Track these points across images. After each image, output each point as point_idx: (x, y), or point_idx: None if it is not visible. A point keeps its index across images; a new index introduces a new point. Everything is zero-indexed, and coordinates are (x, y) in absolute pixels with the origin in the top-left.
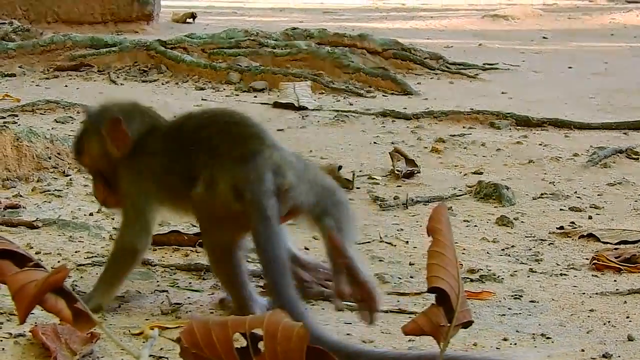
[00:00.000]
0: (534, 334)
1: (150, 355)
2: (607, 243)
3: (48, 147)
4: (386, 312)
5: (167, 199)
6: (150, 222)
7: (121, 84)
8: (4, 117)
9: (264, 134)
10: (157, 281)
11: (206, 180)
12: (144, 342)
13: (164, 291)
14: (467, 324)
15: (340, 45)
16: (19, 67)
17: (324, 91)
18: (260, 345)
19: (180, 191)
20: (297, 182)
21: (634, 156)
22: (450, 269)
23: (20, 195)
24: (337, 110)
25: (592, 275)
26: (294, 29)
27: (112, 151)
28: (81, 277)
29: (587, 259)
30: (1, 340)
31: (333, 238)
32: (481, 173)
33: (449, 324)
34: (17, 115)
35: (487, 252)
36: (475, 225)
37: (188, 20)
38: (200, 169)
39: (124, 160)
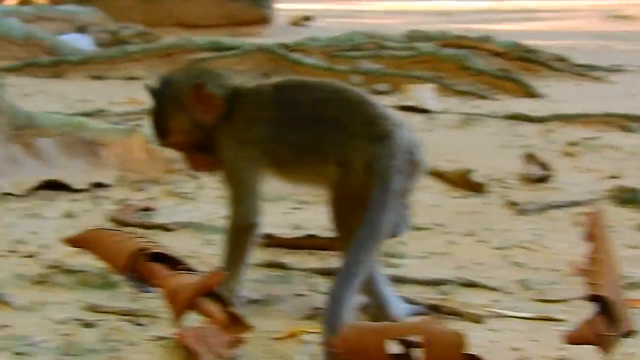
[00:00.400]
0: None
1: None
2: None
3: None
4: (533, 319)
5: (273, 166)
6: (259, 192)
7: None
8: (132, 121)
9: (390, 114)
10: (295, 285)
11: (341, 161)
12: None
13: (302, 295)
14: (630, 333)
15: (462, 47)
16: (141, 70)
17: (448, 94)
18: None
19: (291, 161)
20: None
21: None
22: (611, 276)
23: (153, 198)
24: (463, 113)
25: None
26: (415, 31)
27: (202, 119)
28: None
29: None
30: (146, 342)
31: None
32: (617, 177)
33: (613, 333)
34: (143, 119)
35: (631, 259)
36: (616, 231)
37: (304, 23)
38: (330, 147)
39: (219, 125)
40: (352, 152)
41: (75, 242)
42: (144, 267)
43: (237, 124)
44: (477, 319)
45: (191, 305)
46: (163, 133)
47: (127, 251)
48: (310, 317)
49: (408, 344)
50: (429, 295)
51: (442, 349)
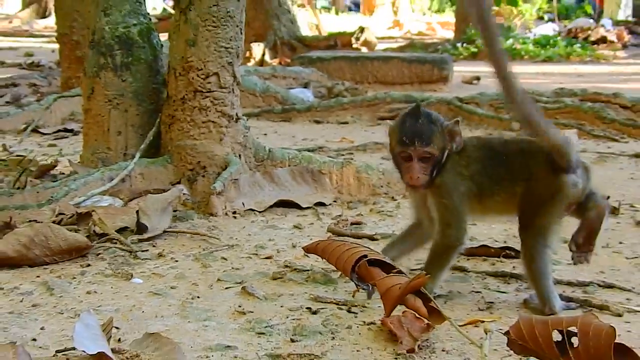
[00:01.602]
0: None
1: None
2: None
3: (380, 178)
4: None
5: (477, 196)
6: (467, 219)
7: None
8: (343, 155)
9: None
10: (472, 284)
11: (526, 177)
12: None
13: (478, 292)
14: None
15: (598, 101)
16: (350, 116)
17: (586, 137)
18: (574, 340)
19: (492, 187)
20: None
21: None
22: None
23: (362, 215)
24: (599, 152)
25: None
26: (561, 88)
27: (449, 147)
28: None
29: None
30: (358, 327)
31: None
32: None
33: None
34: (352, 153)
35: None
36: None
37: (474, 82)
38: (518, 170)
39: (452, 157)
40: (535, 167)
41: (312, 249)
42: (366, 270)
43: (462, 161)
44: (619, 313)
45: (401, 300)
46: (428, 140)
47: (352, 257)
48: (484, 309)
49: (569, 334)
50: (576, 294)
51: (597, 339)
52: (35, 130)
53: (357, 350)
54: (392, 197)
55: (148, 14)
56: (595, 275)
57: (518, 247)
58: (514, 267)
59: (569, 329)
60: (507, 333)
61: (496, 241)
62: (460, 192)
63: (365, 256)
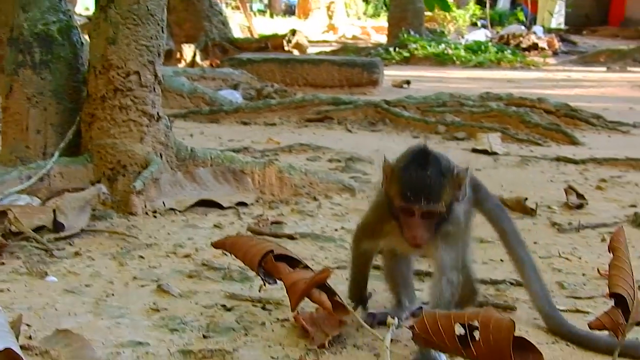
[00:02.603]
0: None
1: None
2: None
3: (303, 179)
4: (566, 311)
5: None
6: None
7: (355, 132)
8: (268, 156)
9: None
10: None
11: None
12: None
13: None
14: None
15: (523, 106)
16: (278, 118)
17: (510, 141)
18: (476, 334)
19: None
20: None
21: None
22: (627, 279)
23: (282, 214)
24: (521, 156)
25: None
26: (487, 93)
27: (455, 199)
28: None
29: None
30: (271, 323)
31: None
32: (635, 206)
33: (626, 322)
34: (278, 154)
35: None
36: (633, 246)
37: (404, 85)
38: None
39: (454, 207)
40: None
41: (220, 245)
42: (272, 264)
43: (459, 207)
44: (511, 307)
45: (306, 294)
46: (438, 197)
47: (259, 252)
48: None
49: (471, 328)
50: (489, 291)
51: (497, 332)
52: None
53: (269, 346)
54: (314, 197)
55: (69, 10)
56: (508, 274)
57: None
58: (429, 265)
59: (470, 322)
60: (411, 327)
61: None
62: (465, 238)
63: (272, 251)
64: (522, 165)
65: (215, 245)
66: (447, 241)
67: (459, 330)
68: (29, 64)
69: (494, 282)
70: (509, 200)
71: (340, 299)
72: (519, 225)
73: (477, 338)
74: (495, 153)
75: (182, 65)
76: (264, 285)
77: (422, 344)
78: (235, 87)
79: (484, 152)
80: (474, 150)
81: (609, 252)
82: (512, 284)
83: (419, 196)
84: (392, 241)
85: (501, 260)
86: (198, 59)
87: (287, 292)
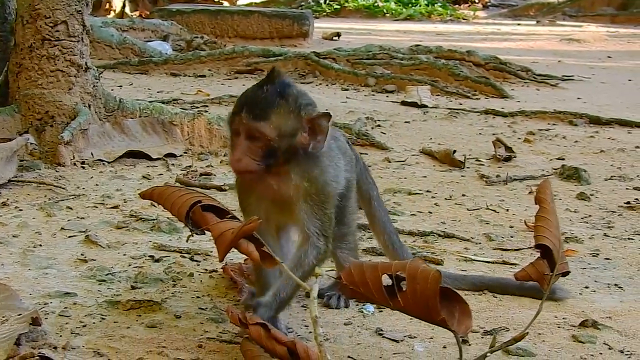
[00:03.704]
0: (608, 283)
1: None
2: None
3: None
4: (493, 263)
5: None
6: None
7: None
8: (198, 107)
9: None
10: None
11: None
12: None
13: None
14: (565, 274)
15: (452, 58)
16: (208, 70)
17: (440, 94)
18: (402, 284)
19: None
20: None
21: None
22: (553, 230)
23: (212, 166)
24: (450, 109)
25: None
26: (417, 45)
27: (303, 140)
28: None
29: None
30: (200, 274)
31: None
32: (563, 159)
33: (551, 273)
34: (207, 106)
35: (570, 220)
36: (560, 199)
37: (334, 38)
38: None
39: (316, 160)
40: None
41: (147, 195)
42: (200, 215)
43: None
44: (438, 261)
45: (234, 244)
46: (259, 114)
47: (187, 202)
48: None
49: (398, 279)
50: (417, 243)
51: (423, 283)
52: None
53: (198, 297)
54: None
55: None
56: (436, 226)
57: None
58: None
59: (397, 273)
60: (338, 278)
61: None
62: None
63: (200, 201)
64: (450, 118)
65: (143, 195)
66: (310, 203)
67: (386, 281)
68: None
69: (422, 234)
70: (437, 153)
71: (269, 249)
72: (448, 178)
73: (404, 289)
74: (424, 106)
75: (110, 16)
76: (192, 235)
77: (349, 295)
78: (164, 38)
79: (414, 104)
80: (404, 103)
81: (536, 204)
82: (440, 235)
83: (242, 109)
84: (251, 202)
85: (429, 212)
86: (127, 9)
87: (215, 242)
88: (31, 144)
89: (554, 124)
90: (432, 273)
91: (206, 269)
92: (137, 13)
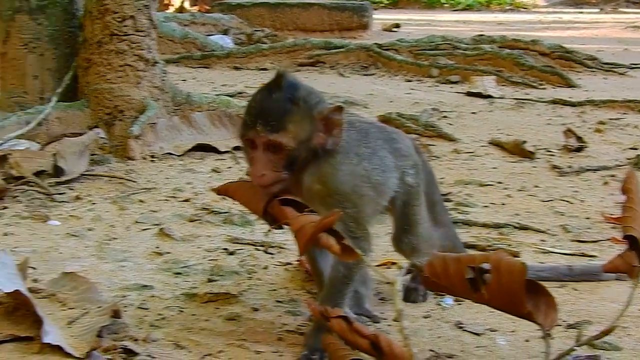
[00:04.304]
0: None
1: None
2: None
3: None
4: (571, 255)
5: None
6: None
7: (347, 77)
8: None
9: None
10: (389, 226)
11: None
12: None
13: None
14: None
15: (517, 48)
16: (269, 63)
17: (505, 84)
18: (486, 277)
19: None
20: None
21: None
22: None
23: None
24: (517, 99)
25: None
26: (480, 35)
27: (321, 141)
28: None
29: None
30: (275, 267)
31: None
32: (636, 148)
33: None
34: None
35: None
36: None
37: (394, 29)
38: None
39: (332, 157)
40: None
41: (222, 191)
42: (278, 209)
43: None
44: (515, 254)
45: (314, 238)
46: (273, 124)
47: (263, 197)
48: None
49: (482, 271)
50: (492, 235)
51: (509, 275)
52: None
53: (274, 290)
54: None
55: None
56: (510, 218)
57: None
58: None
59: (481, 265)
60: (420, 271)
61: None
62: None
63: (277, 195)
64: (517, 108)
65: (218, 191)
66: (327, 206)
67: (469, 274)
68: (26, 9)
69: (496, 226)
70: (506, 144)
71: (349, 242)
72: (519, 169)
73: (487, 281)
74: (490, 96)
75: (170, 11)
76: (270, 230)
77: (432, 288)
78: (225, 32)
79: (479, 95)
80: (469, 94)
81: (622, 194)
82: (515, 227)
83: (256, 121)
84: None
85: (502, 204)
86: (187, 4)
87: (295, 236)
88: (101, 138)
89: (624, 113)
90: (518, 265)
91: (281, 262)
92: (197, 8)
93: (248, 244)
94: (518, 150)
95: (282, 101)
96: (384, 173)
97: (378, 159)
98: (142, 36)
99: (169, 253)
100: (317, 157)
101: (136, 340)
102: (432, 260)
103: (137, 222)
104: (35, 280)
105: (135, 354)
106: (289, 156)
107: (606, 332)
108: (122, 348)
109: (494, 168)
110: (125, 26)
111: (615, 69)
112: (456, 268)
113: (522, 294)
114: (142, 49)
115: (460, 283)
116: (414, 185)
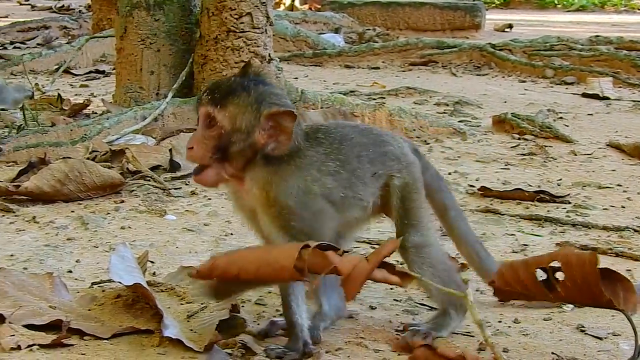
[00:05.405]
0: None
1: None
2: None
3: (413, 122)
4: None
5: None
6: None
7: (460, 76)
8: (375, 99)
9: None
10: (506, 227)
11: None
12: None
13: (512, 235)
14: None
15: (634, 49)
16: (381, 62)
17: (622, 85)
18: (558, 275)
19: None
20: None
21: None
22: None
23: None
24: (635, 101)
25: None
26: (597, 36)
27: (260, 139)
28: None
29: None
30: None
31: None
32: None
33: None
34: (384, 98)
35: None
36: None
37: (506, 29)
38: None
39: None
40: None
41: (204, 273)
42: (321, 256)
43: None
44: (636, 257)
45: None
46: (217, 100)
47: (288, 252)
48: (519, 251)
49: (552, 270)
50: (612, 238)
51: (581, 268)
52: (67, 72)
53: (391, 289)
54: (425, 141)
55: None
56: (631, 221)
57: (552, 191)
58: (548, 210)
59: (551, 265)
60: (491, 283)
61: (530, 185)
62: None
63: (307, 245)
64: (636, 110)
65: (198, 275)
66: (271, 216)
67: (540, 276)
68: (143, 5)
69: (616, 229)
70: (626, 146)
71: (400, 267)
72: (638, 172)
73: (560, 279)
74: (607, 98)
75: (280, 9)
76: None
77: (505, 298)
78: (336, 30)
79: (595, 96)
80: (585, 95)
81: None
82: (636, 231)
83: (205, 93)
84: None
85: (622, 207)
86: (297, 3)
87: (343, 282)
88: None
89: None
90: (588, 256)
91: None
92: (307, 6)
93: (362, 242)
94: (638, 153)
95: (236, 84)
96: (353, 187)
97: (347, 172)
98: (258, 33)
99: None
100: (267, 161)
101: (254, 335)
102: (500, 270)
103: None
104: (153, 274)
105: (254, 353)
106: (222, 138)
107: None
108: (241, 343)
109: (613, 170)
110: (242, 23)
111: None
112: (526, 272)
113: (598, 284)
114: (258, 46)
115: (534, 286)
116: (405, 186)
